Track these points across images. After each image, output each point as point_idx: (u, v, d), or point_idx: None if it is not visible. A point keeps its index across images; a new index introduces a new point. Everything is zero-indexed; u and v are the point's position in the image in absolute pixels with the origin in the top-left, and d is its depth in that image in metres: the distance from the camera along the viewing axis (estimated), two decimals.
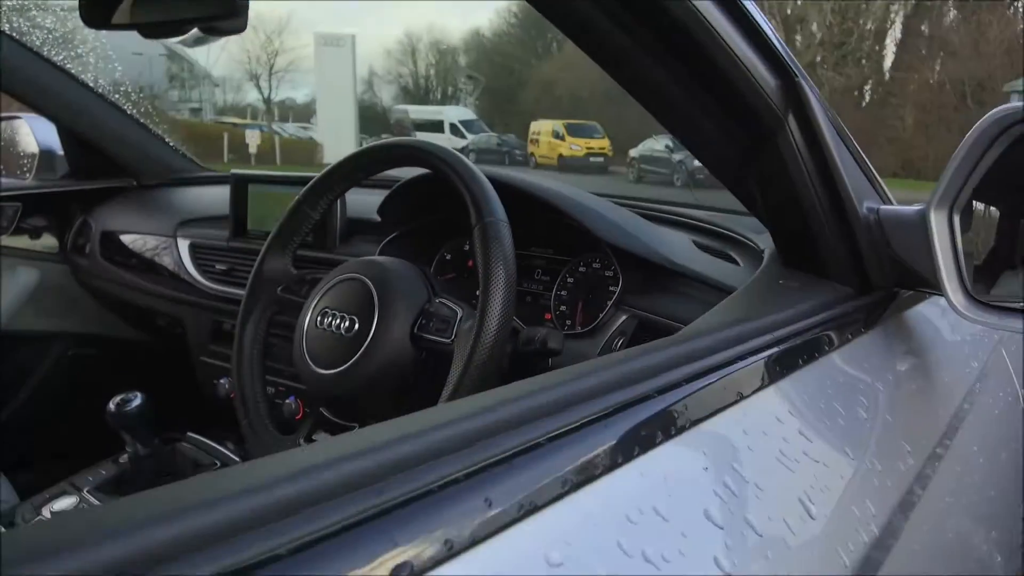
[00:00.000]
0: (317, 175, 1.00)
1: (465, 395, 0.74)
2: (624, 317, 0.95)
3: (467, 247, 1.21)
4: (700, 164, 0.77)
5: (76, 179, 1.94)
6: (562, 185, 1.04)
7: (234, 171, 1.44)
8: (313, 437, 0.92)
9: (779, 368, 0.58)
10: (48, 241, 1.96)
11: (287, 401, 1.19)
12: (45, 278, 1.87)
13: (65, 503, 1.13)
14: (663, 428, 0.44)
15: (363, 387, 0.85)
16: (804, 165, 0.69)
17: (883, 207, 0.77)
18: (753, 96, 0.64)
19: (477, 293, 0.79)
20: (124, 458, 1.20)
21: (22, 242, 1.88)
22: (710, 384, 0.50)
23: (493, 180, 0.86)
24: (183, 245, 1.53)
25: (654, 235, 1.00)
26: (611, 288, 1.02)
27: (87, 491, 1.18)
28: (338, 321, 0.89)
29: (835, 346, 0.67)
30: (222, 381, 1.36)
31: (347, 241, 1.31)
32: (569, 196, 0.99)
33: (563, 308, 1.07)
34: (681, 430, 0.46)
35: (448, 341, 0.83)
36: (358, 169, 0.97)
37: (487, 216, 0.80)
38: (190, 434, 1.37)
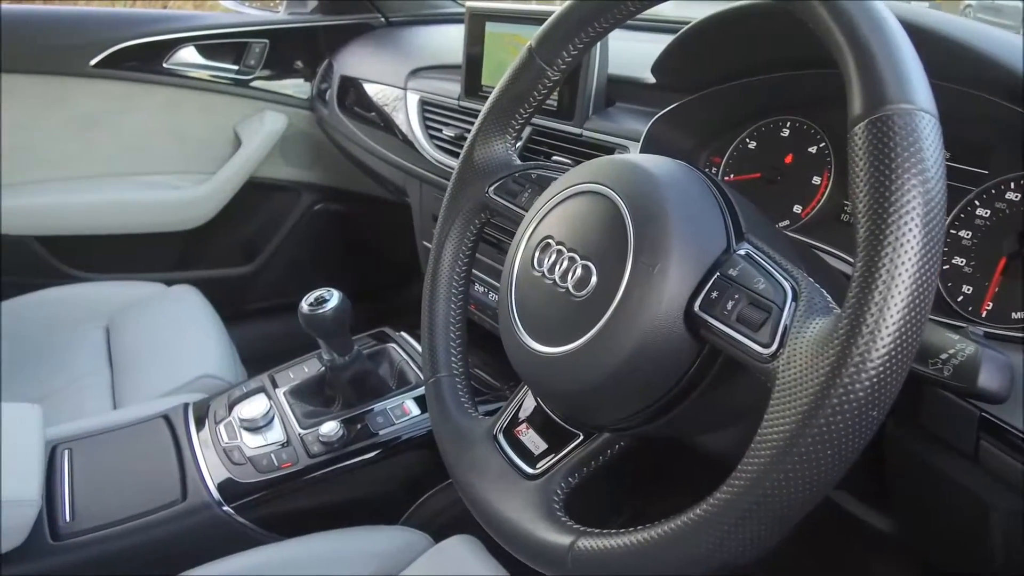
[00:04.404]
0: (559, 7, 0.61)
1: (798, 473, 0.37)
2: None
3: (786, 131, 0.76)
4: None
5: (324, 14, 1.76)
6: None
7: (470, 2, 1.09)
8: (516, 431, 0.60)
9: None
10: (300, 85, 1.82)
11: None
12: (293, 124, 1.74)
13: (256, 408, 0.97)
14: None
15: (597, 385, 0.49)
16: None
17: None
18: None
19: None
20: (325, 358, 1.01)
21: (271, 84, 1.76)
22: None
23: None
24: (412, 100, 1.25)
25: None
26: None
27: (283, 391, 1.03)
28: (565, 264, 0.53)
29: None
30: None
31: (603, 112, 0.92)
32: None
33: (961, 263, 0.60)
34: None
35: (764, 350, 0.42)
36: None
37: (893, 99, 0.37)
38: (403, 333, 1.16)
